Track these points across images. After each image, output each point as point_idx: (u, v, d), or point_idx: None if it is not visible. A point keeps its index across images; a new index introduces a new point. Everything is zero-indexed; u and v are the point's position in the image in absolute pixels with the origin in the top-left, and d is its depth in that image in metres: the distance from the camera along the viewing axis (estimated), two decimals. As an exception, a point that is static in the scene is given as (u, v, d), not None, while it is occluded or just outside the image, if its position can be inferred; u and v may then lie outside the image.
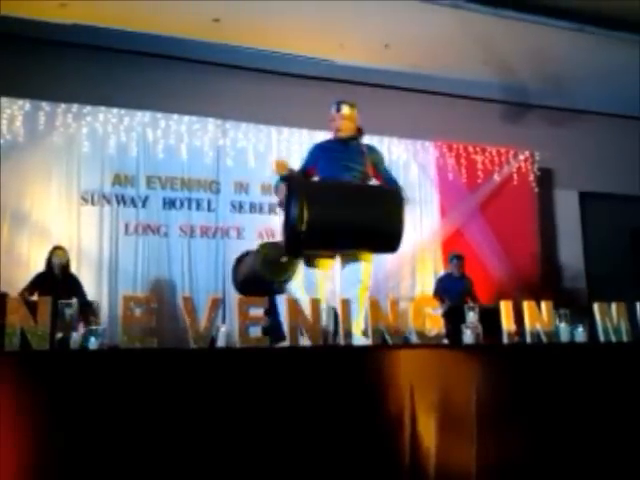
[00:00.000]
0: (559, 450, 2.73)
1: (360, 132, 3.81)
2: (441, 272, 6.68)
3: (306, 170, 3.79)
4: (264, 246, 3.95)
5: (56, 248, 5.16)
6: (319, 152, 3.83)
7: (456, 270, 6.24)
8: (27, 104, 5.82)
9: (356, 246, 3.40)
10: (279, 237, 6.51)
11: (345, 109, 3.80)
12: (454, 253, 6.43)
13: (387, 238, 3.32)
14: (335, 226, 3.18)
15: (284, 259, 3.55)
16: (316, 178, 3.70)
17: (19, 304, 2.34)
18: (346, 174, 3.59)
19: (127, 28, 5.95)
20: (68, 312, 2.61)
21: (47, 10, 5.60)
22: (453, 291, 6.06)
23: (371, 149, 3.82)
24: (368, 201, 3.33)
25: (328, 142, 3.88)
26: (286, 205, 3.30)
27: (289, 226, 3.21)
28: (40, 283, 4.89)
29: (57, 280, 4.99)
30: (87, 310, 4.88)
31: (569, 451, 2.74)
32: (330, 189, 3.43)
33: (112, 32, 5.94)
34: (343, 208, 3.22)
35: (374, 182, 3.73)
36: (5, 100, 5.75)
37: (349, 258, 3.55)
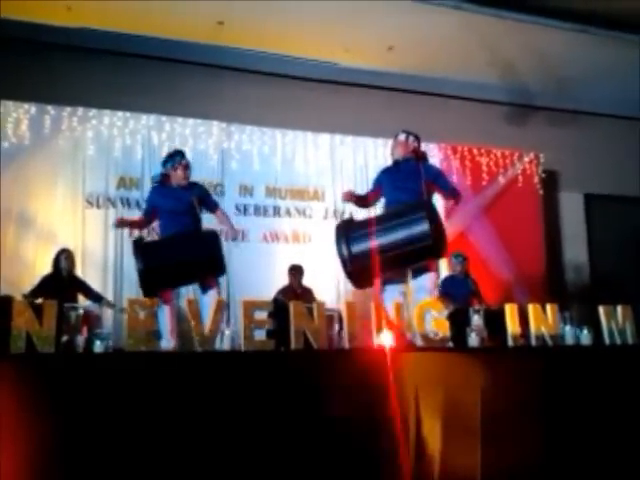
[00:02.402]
0: (565, 452, 2.72)
1: (418, 155, 4.18)
2: (444, 273, 6.62)
3: (370, 193, 4.31)
4: None
5: (62, 251, 5.17)
6: (382, 176, 4.31)
7: (459, 270, 6.16)
8: (33, 107, 5.84)
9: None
10: (282, 240, 6.58)
11: (401, 136, 4.24)
12: (456, 252, 6.36)
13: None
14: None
15: None
16: (382, 199, 4.23)
17: (25, 307, 2.36)
18: (401, 194, 4.01)
19: (132, 32, 5.98)
20: (73, 315, 2.62)
21: (53, 14, 5.63)
22: (458, 293, 6.00)
23: (427, 168, 4.16)
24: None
25: (389, 167, 4.33)
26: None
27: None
28: (47, 286, 4.91)
29: (64, 282, 5.01)
30: (101, 303, 4.97)
31: (575, 453, 2.74)
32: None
33: (117, 36, 5.97)
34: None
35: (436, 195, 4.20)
36: (11, 103, 5.77)
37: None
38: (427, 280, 3.87)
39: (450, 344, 2.96)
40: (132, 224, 4.95)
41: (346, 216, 6.70)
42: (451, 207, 4.30)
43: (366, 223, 3.89)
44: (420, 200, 3.88)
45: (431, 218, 3.57)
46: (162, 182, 4.41)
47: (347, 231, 3.77)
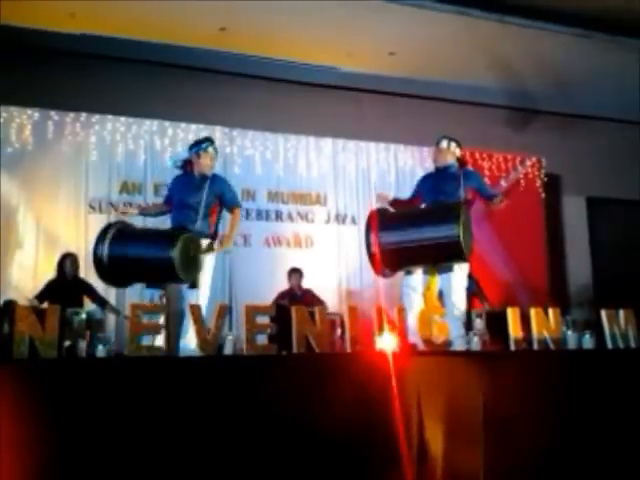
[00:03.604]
0: (568, 456, 2.72)
1: (460, 161, 4.27)
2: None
3: (413, 199, 4.36)
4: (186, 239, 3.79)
5: (67, 255, 5.19)
6: (423, 183, 4.37)
7: None
8: (36, 113, 5.87)
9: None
10: (284, 244, 6.59)
11: (442, 143, 4.27)
12: None
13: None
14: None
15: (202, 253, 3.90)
16: (423, 204, 4.26)
17: (27, 312, 2.36)
18: (441, 197, 4.06)
19: (135, 38, 6.00)
20: (76, 320, 2.62)
21: (56, 20, 5.66)
22: None
23: (467, 174, 4.23)
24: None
25: (431, 173, 4.41)
26: None
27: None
28: (52, 290, 4.92)
29: (69, 286, 5.02)
30: (106, 308, 4.98)
31: (578, 457, 2.73)
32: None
33: (120, 42, 5.99)
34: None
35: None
36: (14, 109, 5.80)
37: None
38: (454, 277, 3.92)
39: (453, 348, 2.96)
40: (146, 209, 4.82)
41: (348, 221, 6.75)
42: (499, 205, 4.29)
43: (399, 214, 4.02)
44: (454, 202, 3.95)
45: (461, 221, 3.62)
46: (183, 168, 4.15)
47: (379, 218, 3.86)
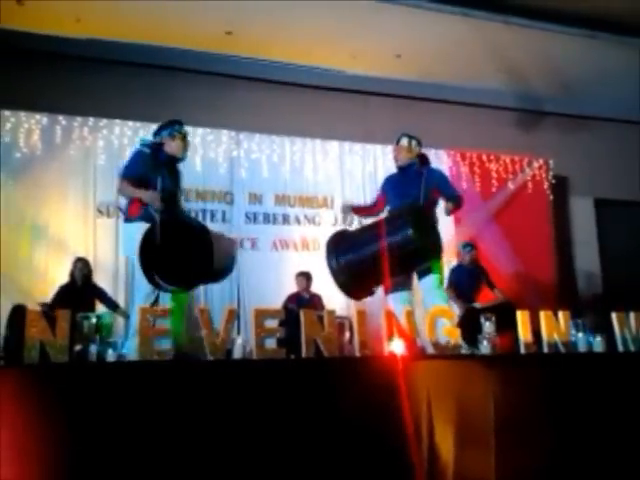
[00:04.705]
0: (578, 460, 2.70)
1: (421, 159, 4.13)
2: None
3: (377, 201, 4.28)
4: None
5: (78, 259, 5.21)
6: (386, 183, 4.27)
7: (468, 259, 6.08)
8: (44, 118, 5.90)
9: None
10: (292, 248, 6.59)
11: (403, 141, 4.14)
12: (464, 242, 6.29)
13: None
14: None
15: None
16: (387, 207, 4.17)
17: (38, 317, 2.37)
18: (404, 200, 3.94)
19: (141, 42, 6.02)
20: (86, 324, 2.63)
21: (63, 25, 5.69)
22: (467, 282, 5.91)
23: (430, 173, 4.09)
24: None
25: (393, 174, 4.28)
26: None
27: None
28: (64, 295, 4.95)
29: (81, 291, 5.05)
30: (116, 312, 4.98)
31: (589, 460, 2.71)
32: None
33: (126, 46, 6.02)
34: None
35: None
36: (23, 114, 5.83)
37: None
38: (432, 280, 3.83)
39: (462, 350, 2.95)
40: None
41: (355, 223, 6.75)
42: (452, 211, 4.10)
43: (355, 233, 3.89)
44: (406, 205, 3.83)
45: (415, 222, 3.50)
46: (152, 149, 3.83)
47: (336, 243, 3.74)
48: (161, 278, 3.37)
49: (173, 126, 3.90)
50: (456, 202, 4.01)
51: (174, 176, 3.89)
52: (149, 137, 4.03)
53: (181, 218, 3.87)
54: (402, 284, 3.88)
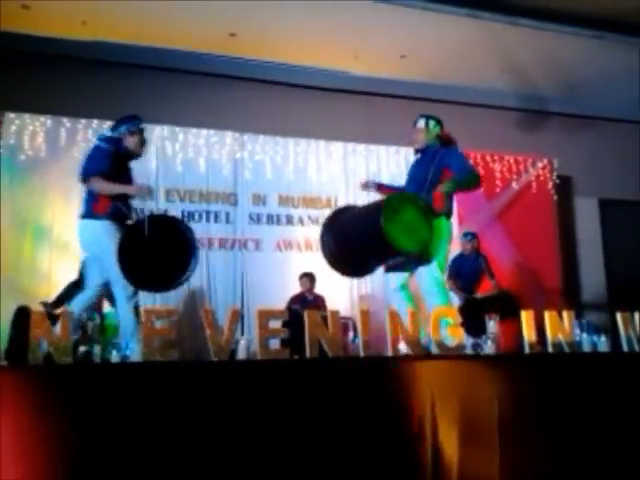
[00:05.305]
0: (583, 460, 2.69)
1: (442, 140, 3.82)
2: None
3: (398, 186, 4.01)
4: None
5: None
6: (410, 168, 3.96)
7: (469, 248, 6.03)
8: (48, 120, 5.92)
9: None
10: (295, 248, 6.60)
11: (419, 122, 3.86)
12: (465, 231, 6.26)
13: None
14: None
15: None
16: None
17: (42, 318, 2.37)
18: (412, 183, 3.75)
19: (145, 44, 6.05)
20: (90, 325, 2.64)
21: (68, 28, 5.72)
22: (466, 271, 5.88)
23: (447, 152, 3.76)
24: None
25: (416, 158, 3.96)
26: None
27: None
28: (72, 293, 4.94)
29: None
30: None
31: (593, 461, 2.70)
32: None
33: (131, 48, 6.04)
34: None
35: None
36: (27, 116, 5.86)
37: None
38: (429, 269, 3.63)
39: (467, 351, 2.94)
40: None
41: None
42: (459, 190, 3.72)
43: (355, 212, 3.75)
44: (396, 193, 3.72)
45: (387, 213, 3.28)
46: (112, 144, 3.75)
47: (332, 219, 3.69)
48: (146, 279, 3.35)
49: (132, 122, 3.84)
50: (467, 178, 3.65)
51: (129, 172, 3.86)
52: (107, 133, 3.96)
53: (161, 215, 3.80)
54: (400, 265, 3.67)
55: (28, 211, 5.66)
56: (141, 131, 3.86)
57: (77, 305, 3.63)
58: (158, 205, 6.13)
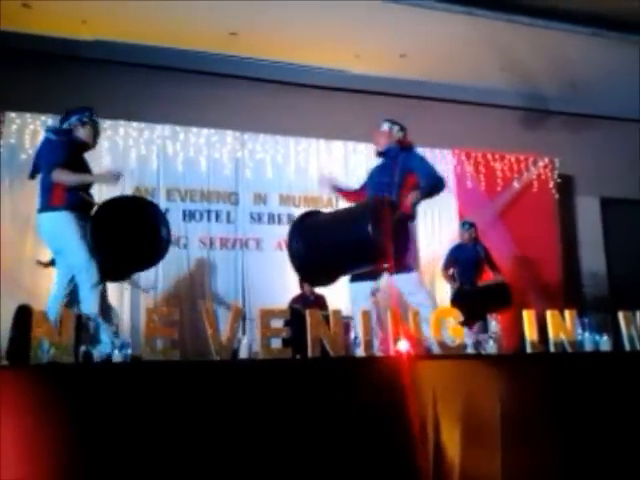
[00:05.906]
0: (585, 460, 2.69)
1: (402, 145, 3.85)
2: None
3: (358, 190, 4.03)
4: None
5: None
6: (370, 172, 4.01)
7: (467, 238, 6.00)
8: (50, 119, 5.91)
9: None
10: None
11: (383, 126, 3.94)
12: (463, 220, 6.24)
13: None
14: None
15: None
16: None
17: (44, 317, 2.37)
18: (377, 189, 3.74)
19: (146, 43, 6.04)
20: (92, 325, 2.63)
21: (69, 27, 5.71)
22: (464, 260, 5.84)
23: (407, 158, 3.80)
24: None
25: (377, 163, 4.01)
26: None
27: None
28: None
29: None
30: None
31: (595, 461, 2.70)
32: None
33: (131, 47, 6.04)
34: None
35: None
36: (28, 115, 5.84)
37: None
38: (411, 278, 3.65)
39: (468, 350, 2.94)
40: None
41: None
42: (425, 195, 3.69)
43: (322, 218, 3.69)
44: (368, 201, 3.63)
45: (373, 218, 3.28)
46: (63, 135, 3.72)
47: (300, 226, 3.61)
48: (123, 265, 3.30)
49: (83, 112, 3.78)
50: (433, 185, 3.66)
51: (86, 163, 3.80)
52: (56, 125, 3.90)
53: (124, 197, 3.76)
54: (368, 275, 3.66)
55: (29, 210, 5.63)
56: (94, 122, 3.81)
57: (52, 305, 3.55)
58: (159, 204, 6.11)
